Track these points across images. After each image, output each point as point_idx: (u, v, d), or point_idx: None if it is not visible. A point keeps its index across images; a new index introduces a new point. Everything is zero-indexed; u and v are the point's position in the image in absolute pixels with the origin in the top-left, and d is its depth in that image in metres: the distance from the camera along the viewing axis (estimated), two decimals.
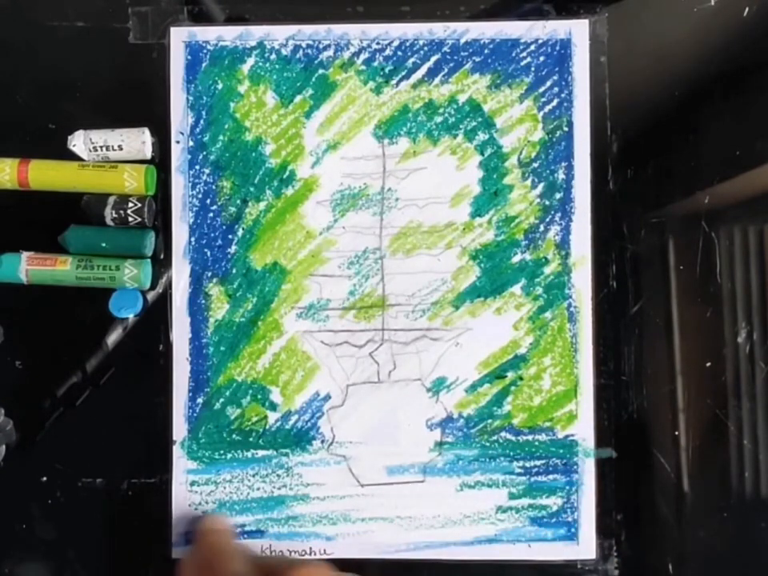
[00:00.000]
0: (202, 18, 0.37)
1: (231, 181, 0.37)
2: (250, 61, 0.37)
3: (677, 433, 0.37)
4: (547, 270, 0.37)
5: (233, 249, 0.37)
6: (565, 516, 0.37)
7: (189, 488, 0.37)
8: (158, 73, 0.37)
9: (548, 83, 0.37)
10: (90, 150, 0.36)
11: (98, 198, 0.36)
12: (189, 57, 0.37)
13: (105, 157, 0.36)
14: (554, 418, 0.37)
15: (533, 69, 0.37)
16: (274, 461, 0.37)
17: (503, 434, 0.37)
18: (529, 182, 0.37)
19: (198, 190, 0.37)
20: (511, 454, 0.37)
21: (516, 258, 0.37)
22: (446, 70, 0.37)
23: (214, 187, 0.37)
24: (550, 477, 0.37)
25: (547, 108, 0.37)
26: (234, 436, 0.37)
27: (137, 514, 0.37)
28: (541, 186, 0.37)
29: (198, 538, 0.35)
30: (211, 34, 0.37)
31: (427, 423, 0.37)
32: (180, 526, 0.37)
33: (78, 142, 0.36)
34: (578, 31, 0.37)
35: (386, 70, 0.37)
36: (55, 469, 0.37)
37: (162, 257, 0.37)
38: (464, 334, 0.37)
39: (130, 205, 0.36)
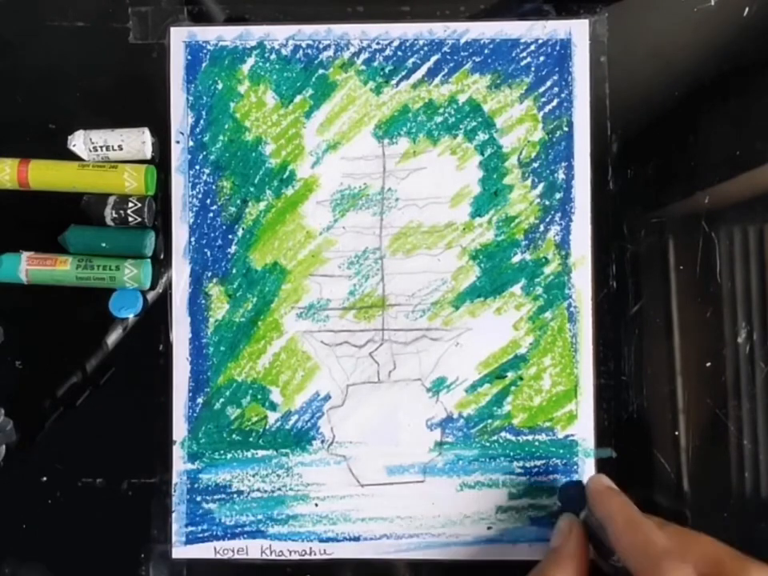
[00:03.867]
0: (202, 17, 0.37)
1: (231, 181, 0.37)
2: (250, 61, 0.37)
3: (677, 433, 0.37)
4: (547, 269, 0.37)
5: (233, 249, 0.37)
6: None
7: (189, 488, 0.37)
8: (158, 73, 0.37)
9: (548, 83, 0.37)
10: (90, 150, 0.36)
11: (98, 198, 0.36)
12: (189, 57, 0.37)
13: (105, 157, 0.36)
14: (553, 418, 0.37)
15: (533, 69, 0.37)
16: (273, 461, 0.37)
17: (503, 434, 0.37)
18: (529, 182, 0.37)
19: (198, 189, 0.37)
20: (511, 454, 0.37)
21: (516, 258, 0.37)
22: (445, 70, 0.37)
23: (213, 187, 0.37)
24: (550, 477, 0.37)
25: (547, 108, 0.37)
26: (234, 436, 0.37)
27: (137, 514, 0.37)
28: (541, 186, 0.37)
29: (593, 499, 0.33)
30: (211, 34, 0.37)
31: (427, 423, 0.37)
32: (179, 523, 0.37)
33: (78, 141, 0.36)
34: (577, 31, 0.37)
35: (386, 70, 0.37)
36: (55, 469, 0.37)
37: (162, 257, 0.37)
38: (464, 333, 0.37)
39: (130, 205, 0.36)
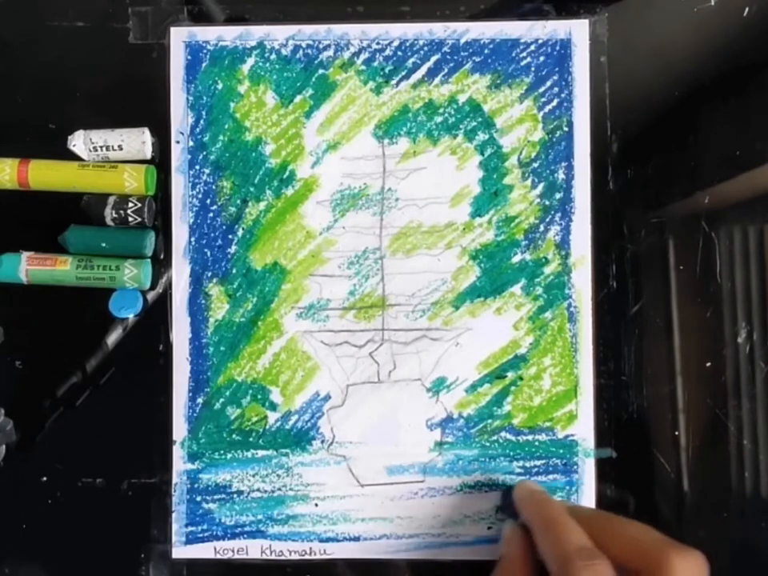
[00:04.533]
0: (202, 17, 0.37)
1: (231, 181, 0.37)
2: (250, 61, 0.37)
3: (677, 433, 0.37)
4: (547, 269, 0.37)
5: (233, 249, 0.37)
6: None
7: (189, 488, 0.37)
8: (158, 73, 0.37)
9: (548, 83, 0.37)
10: (90, 150, 0.36)
11: (98, 198, 0.36)
12: (189, 57, 0.37)
13: (105, 157, 0.36)
14: (553, 417, 0.37)
15: (533, 69, 0.37)
16: (273, 461, 0.37)
17: (503, 433, 0.37)
18: (529, 182, 0.37)
19: (198, 189, 0.37)
20: (511, 453, 0.37)
21: (516, 258, 0.37)
22: (446, 70, 0.37)
23: (214, 187, 0.37)
24: (550, 477, 0.37)
25: (547, 108, 0.37)
26: (234, 436, 0.37)
27: (137, 514, 0.37)
28: (541, 186, 0.37)
29: (523, 508, 0.34)
30: (211, 34, 0.37)
31: (427, 423, 0.37)
32: (179, 523, 0.37)
33: (78, 141, 0.36)
34: (577, 31, 0.37)
35: (386, 70, 0.37)
36: (55, 469, 0.37)
37: (162, 257, 0.37)
38: (464, 333, 0.37)
39: (130, 205, 0.36)
